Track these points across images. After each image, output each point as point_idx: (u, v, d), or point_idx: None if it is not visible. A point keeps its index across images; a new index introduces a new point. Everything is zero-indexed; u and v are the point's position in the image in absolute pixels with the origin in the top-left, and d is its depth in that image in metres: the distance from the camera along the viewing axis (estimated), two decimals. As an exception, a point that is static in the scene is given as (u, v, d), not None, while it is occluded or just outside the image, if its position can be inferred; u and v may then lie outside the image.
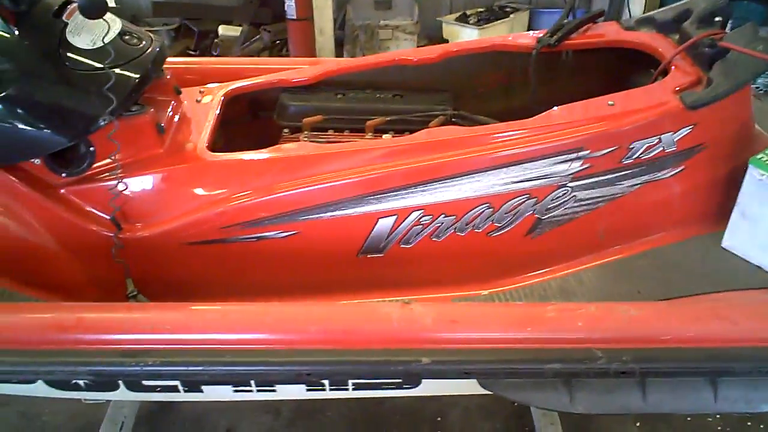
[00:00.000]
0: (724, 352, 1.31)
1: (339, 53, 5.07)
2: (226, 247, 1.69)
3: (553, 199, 1.71)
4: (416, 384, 1.39)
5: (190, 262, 1.73)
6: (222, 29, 5.13)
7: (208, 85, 2.08)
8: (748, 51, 1.70)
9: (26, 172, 1.66)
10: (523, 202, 1.70)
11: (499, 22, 5.03)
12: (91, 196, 1.68)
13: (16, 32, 1.55)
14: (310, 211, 1.66)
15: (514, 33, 5.02)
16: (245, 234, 1.68)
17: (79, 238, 1.67)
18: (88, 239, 1.67)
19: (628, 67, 2.11)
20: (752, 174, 1.68)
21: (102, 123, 1.60)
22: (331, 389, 1.40)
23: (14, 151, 1.61)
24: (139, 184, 1.70)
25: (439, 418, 2.26)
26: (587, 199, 1.74)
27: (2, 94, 1.52)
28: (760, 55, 1.69)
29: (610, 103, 1.73)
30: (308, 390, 1.42)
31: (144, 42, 1.74)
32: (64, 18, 1.64)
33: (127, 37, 1.72)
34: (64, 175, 1.67)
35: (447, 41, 5.12)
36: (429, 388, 1.41)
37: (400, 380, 1.38)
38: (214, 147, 1.79)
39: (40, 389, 1.42)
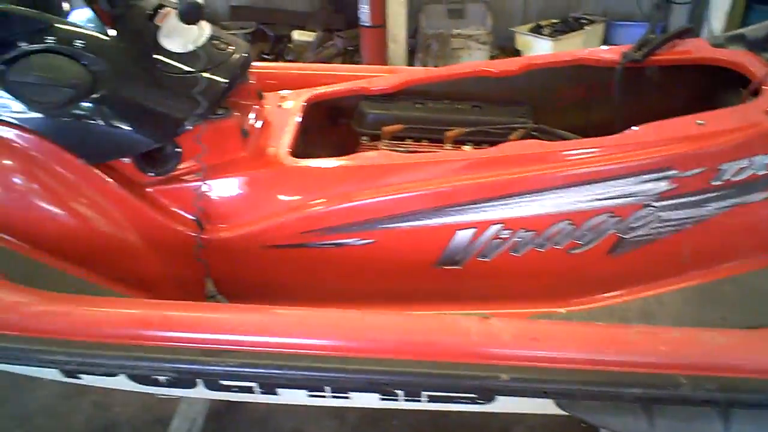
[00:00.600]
0: (814, 385, 1.26)
1: (411, 61, 5.07)
2: (304, 251, 1.71)
3: (637, 219, 1.67)
4: (490, 400, 1.38)
5: (268, 265, 1.75)
6: (296, 34, 5.21)
7: (290, 91, 2.11)
8: None
9: (116, 171, 1.71)
10: (606, 220, 1.66)
11: (573, 34, 4.95)
12: (176, 196, 1.72)
13: (113, 34, 1.61)
14: (389, 221, 1.67)
15: (588, 45, 5.00)
16: (324, 240, 1.69)
17: (163, 236, 1.71)
18: (172, 238, 1.71)
19: (714, 86, 2.05)
20: None
21: (190, 125, 1.65)
22: (404, 400, 1.40)
23: (106, 149, 1.66)
24: (222, 186, 1.73)
25: (503, 434, 2.24)
26: (672, 220, 1.69)
27: (98, 94, 1.58)
28: None
29: (699, 122, 1.68)
30: (382, 399, 1.42)
31: (231, 47, 1.78)
32: (157, 21, 1.69)
33: (216, 42, 1.76)
34: (151, 174, 1.71)
35: (519, 52, 5.08)
36: (502, 405, 1.40)
37: (475, 395, 1.37)
38: (293, 152, 1.82)
39: (121, 382, 1.47)
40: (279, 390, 1.43)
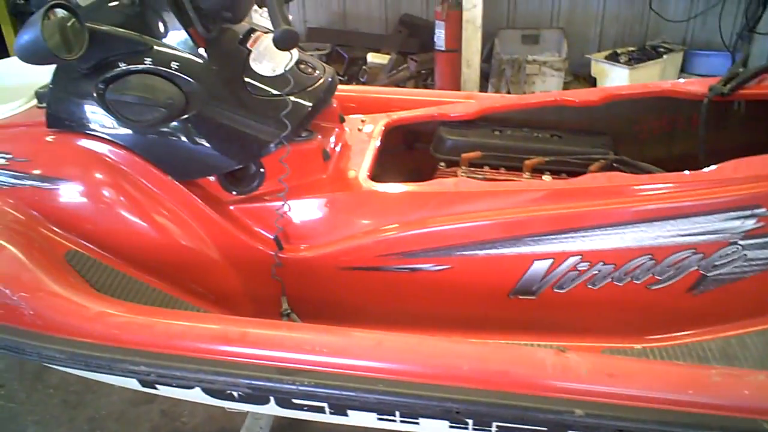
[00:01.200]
0: None
1: (484, 86, 5.08)
2: (380, 275, 1.72)
3: (721, 256, 1.63)
4: (561, 435, 1.36)
5: (343, 286, 1.77)
6: (371, 56, 5.28)
7: (370, 115, 2.14)
8: None
9: (201, 188, 1.76)
10: (689, 256, 1.63)
11: (651, 62, 4.86)
12: (257, 215, 1.77)
13: (206, 57, 1.67)
14: (465, 248, 1.67)
15: (666, 74, 4.90)
16: (400, 264, 1.70)
17: (243, 253, 1.75)
18: (251, 256, 1.75)
19: None
20: None
21: (274, 147, 1.69)
22: (473, 428, 1.39)
23: (193, 168, 1.72)
24: (302, 207, 1.76)
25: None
26: (758, 259, 1.64)
27: (189, 114, 1.64)
28: None
29: None
30: (451, 427, 1.41)
31: (317, 71, 1.82)
32: (248, 45, 1.75)
33: (302, 66, 1.80)
34: (234, 193, 1.76)
35: (595, 79, 5.03)
36: (572, 440, 1.37)
37: (546, 429, 1.35)
38: (372, 176, 1.84)
39: (196, 395, 1.50)
40: (350, 412, 1.44)
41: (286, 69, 1.74)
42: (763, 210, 1.58)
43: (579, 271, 1.66)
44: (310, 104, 1.74)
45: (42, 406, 2.56)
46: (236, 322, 1.46)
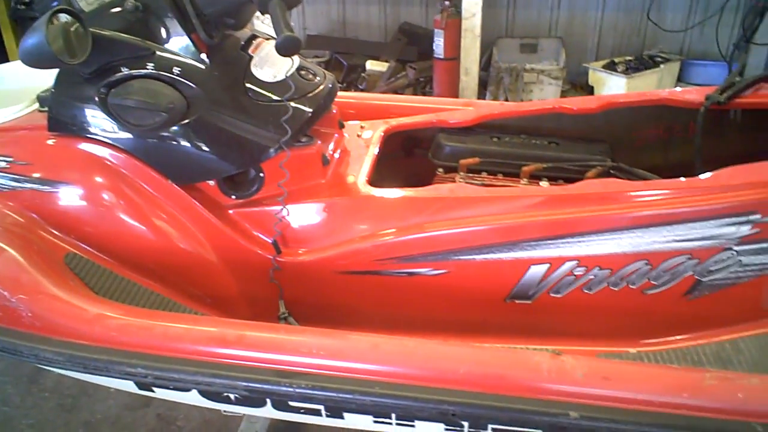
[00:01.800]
0: None
1: (482, 94, 5.11)
2: (377, 279, 1.74)
3: (716, 262, 1.64)
4: (555, 437, 1.37)
5: (341, 291, 1.78)
6: (369, 64, 5.30)
7: (369, 121, 2.16)
8: None
9: (200, 191, 1.78)
10: (684, 262, 1.64)
11: (648, 71, 4.89)
12: (256, 219, 1.78)
13: (208, 62, 1.68)
14: (463, 252, 1.68)
15: (663, 83, 4.93)
16: (397, 268, 1.71)
17: (241, 257, 1.77)
18: (249, 259, 1.76)
19: None
20: None
21: (274, 152, 1.70)
22: (469, 431, 1.40)
23: (193, 172, 1.74)
24: (301, 211, 1.78)
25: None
26: (753, 265, 1.65)
27: (190, 119, 1.65)
28: None
29: None
30: (446, 429, 1.42)
31: (318, 78, 1.84)
32: (250, 51, 1.77)
33: (303, 72, 1.82)
34: (233, 197, 1.78)
35: (592, 88, 5.06)
36: (568, 443, 1.39)
37: (541, 431, 1.36)
38: (371, 181, 1.85)
39: (193, 397, 1.51)
40: (346, 414, 1.44)
41: (287, 75, 1.76)
42: (758, 216, 1.60)
43: (575, 276, 1.67)
44: (310, 110, 1.76)
45: (37, 410, 2.55)
46: (234, 325, 1.47)
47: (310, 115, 1.75)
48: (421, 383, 1.33)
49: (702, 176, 1.66)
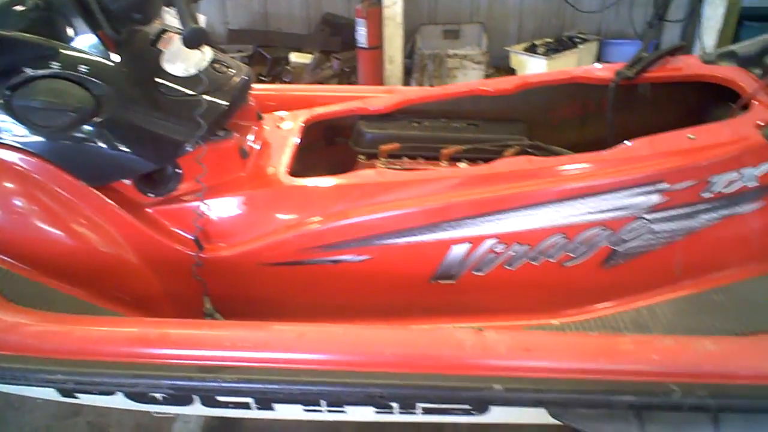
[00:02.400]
0: (803, 389, 1.28)
1: (407, 81, 5.13)
2: (302, 269, 1.73)
3: (629, 231, 1.70)
4: (484, 411, 1.39)
5: (266, 283, 1.77)
6: (293, 56, 5.26)
7: (288, 112, 2.14)
8: None
9: (116, 192, 1.74)
10: (599, 233, 1.69)
11: (567, 52, 5.00)
12: (175, 216, 1.75)
13: (116, 59, 1.64)
14: (385, 237, 1.69)
15: (582, 63, 5.05)
16: (321, 257, 1.72)
17: (162, 255, 1.74)
18: (171, 257, 1.74)
19: (706, 101, 2.09)
20: (836, 211, 1.64)
21: (190, 147, 1.68)
22: (399, 412, 1.42)
23: (108, 172, 1.70)
24: (221, 206, 1.76)
25: (498, 447, 2.25)
26: (664, 232, 1.72)
27: (100, 118, 1.61)
28: None
29: (690, 136, 1.71)
30: (377, 412, 1.43)
31: (232, 70, 1.82)
32: (159, 46, 1.73)
33: (217, 66, 1.79)
34: (151, 195, 1.74)
35: (514, 71, 5.14)
36: (497, 415, 1.41)
37: (469, 406, 1.39)
38: (291, 171, 1.85)
39: (118, 401, 1.48)
40: (275, 405, 1.44)
41: (200, 69, 1.73)
42: (665, 185, 1.66)
43: (496, 253, 1.70)
44: (226, 103, 1.73)
45: (-41, 427, 2.46)
46: (156, 324, 1.45)
47: (225, 108, 1.73)
48: (349, 368, 1.34)
49: (611, 150, 1.71)
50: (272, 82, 5.14)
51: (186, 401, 1.46)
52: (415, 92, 2.25)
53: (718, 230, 1.74)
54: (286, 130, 2.02)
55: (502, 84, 2.16)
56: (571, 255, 1.72)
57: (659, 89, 2.15)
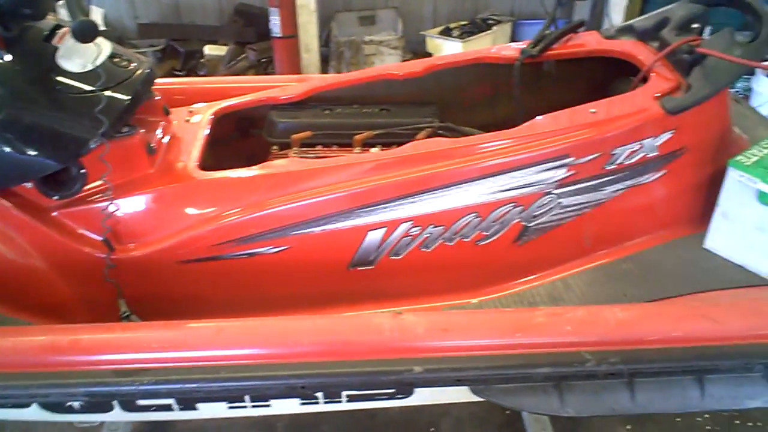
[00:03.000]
0: (709, 350, 1.34)
1: (325, 69, 5.11)
2: (218, 264, 1.71)
3: (539, 207, 1.74)
4: (409, 393, 1.41)
5: (183, 281, 1.74)
6: (207, 49, 5.16)
7: (197, 105, 2.10)
8: (725, 56, 1.74)
9: (19, 196, 1.67)
10: (510, 210, 1.72)
11: (482, 34, 5.08)
12: (83, 218, 1.69)
13: (8, 57, 1.57)
14: (301, 226, 1.68)
15: (497, 45, 5.11)
16: (237, 251, 1.69)
17: (72, 259, 1.68)
18: (81, 261, 1.68)
19: (610, 75, 2.15)
20: (731, 176, 1.71)
21: (93, 145, 1.62)
22: (325, 402, 1.42)
23: (8, 175, 1.62)
24: (131, 204, 1.71)
25: (432, 429, 2.28)
26: (572, 206, 1.76)
27: None
28: (737, 60, 1.73)
29: (592, 110, 1.76)
30: (302, 404, 1.43)
31: (134, 64, 1.76)
32: (54, 42, 1.66)
33: (116, 60, 1.74)
34: (55, 198, 1.68)
35: (431, 55, 5.17)
36: (422, 397, 1.43)
37: (393, 390, 1.40)
38: (204, 166, 1.81)
39: (34, 413, 1.42)
40: (198, 405, 1.42)
41: (98, 64, 1.67)
42: (571, 159, 1.70)
43: (411, 236, 1.72)
44: (128, 98, 1.68)
45: None
46: (66, 331, 1.41)
47: (127, 103, 1.68)
48: (269, 361, 1.33)
49: (518, 128, 1.74)
50: (187, 75, 5.04)
51: (105, 408, 1.42)
52: (325, 79, 2.24)
53: (624, 201, 1.81)
54: (195, 124, 1.98)
55: (411, 67, 2.18)
56: (485, 233, 1.75)
57: (564, 66, 2.20)
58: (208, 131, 1.95)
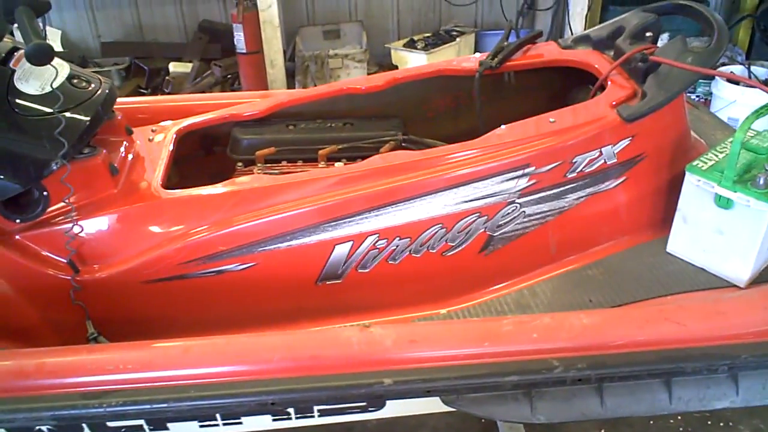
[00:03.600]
0: (674, 353, 1.37)
1: (291, 84, 5.10)
2: (185, 283, 1.70)
3: (503, 216, 1.76)
4: (381, 406, 1.41)
5: (149, 301, 1.73)
6: (173, 66, 5.13)
7: (161, 124, 2.09)
8: (677, 64, 1.79)
9: None
10: (475, 220, 1.74)
11: (446, 46, 5.11)
12: (46, 241, 1.68)
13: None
14: (267, 242, 1.68)
15: (461, 56, 5.17)
16: (203, 269, 1.69)
17: (36, 283, 1.66)
18: (46, 284, 1.66)
19: (568, 85, 2.19)
20: (689, 180, 1.75)
21: (54, 167, 1.61)
22: (297, 417, 1.42)
23: None
24: (95, 225, 1.70)
25: (409, 440, 2.28)
26: (536, 214, 1.79)
27: None
28: (689, 67, 1.78)
29: (551, 120, 1.79)
30: (274, 420, 1.43)
31: (93, 84, 1.76)
32: (11, 65, 1.65)
33: (75, 81, 1.73)
34: (18, 221, 1.66)
35: (396, 67, 5.20)
36: (394, 409, 1.44)
37: (364, 403, 1.40)
38: (168, 184, 1.80)
39: (1, 440, 1.41)
40: (169, 425, 1.41)
41: (55, 86, 1.66)
42: (532, 168, 1.73)
43: (378, 249, 1.72)
44: (87, 119, 1.67)
45: None
46: (31, 355, 1.39)
47: (87, 124, 1.67)
48: (238, 378, 1.33)
49: (479, 139, 1.76)
50: (152, 93, 5.00)
51: (75, 431, 1.41)
52: (288, 95, 2.25)
53: (587, 208, 1.83)
54: (158, 143, 1.97)
55: (373, 81, 2.19)
56: (451, 244, 1.76)
57: (524, 76, 2.23)
58: (171, 149, 1.94)
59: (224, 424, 1.42)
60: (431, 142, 1.98)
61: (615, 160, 1.80)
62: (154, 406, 1.30)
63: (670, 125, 1.91)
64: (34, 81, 1.65)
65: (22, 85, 1.63)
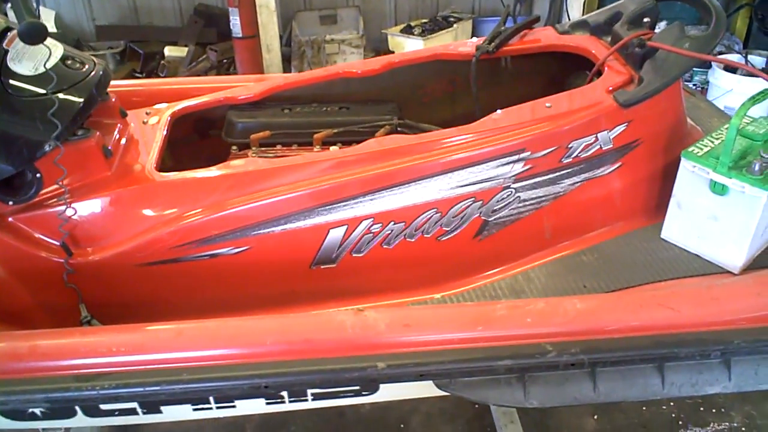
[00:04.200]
0: (667, 338, 1.37)
1: (287, 69, 5.08)
2: (178, 266, 1.69)
3: (498, 201, 1.76)
4: (374, 390, 1.41)
5: (143, 284, 1.72)
6: (168, 50, 5.10)
7: (155, 106, 2.08)
8: (675, 49, 1.78)
9: None
10: (470, 205, 1.74)
11: (443, 31, 5.10)
12: (39, 223, 1.67)
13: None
14: (261, 226, 1.68)
15: (456, 41, 5.15)
16: (197, 252, 1.68)
17: (29, 265, 1.65)
18: (39, 266, 1.66)
19: (565, 70, 2.18)
20: (685, 166, 1.75)
21: (47, 149, 1.60)
22: (290, 401, 1.42)
23: None
24: (88, 208, 1.69)
25: (402, 425, 2.29)
26: (531, 199, 1.79)
27: None
28: (686, 52, 1.77)
29: (547, 105, 1.78)
30: (268, 403, 1.42)
31: (87, 66, 1.74)
32: (4, 45, 1.63)
33: (69, 62, 1.71)
34: (11, 203, 1.65)
35: (393, 53, 5.18)
36: (387, 393, 1.43)
37: (358, 387, 1.40)
38: (163, 167, 1.79)
39: (-5, 422, 1.41)
40: (163, 407, 1.41)
41: (49, 66, 1.65)
42: (528, 153, 1.73)
43: (373, 233, 1.72)
44: (81, 100, 1.66)
45: None
46: (24, 337, 1.39)
47: (81, 105, 1.65)
48: (231, 361, 1.33)
49: (475, 123, 1.76)
50: (147, 77, 4.97)
51: (68, 414, 1.41)
52: (283, 78, 2.23)
53: (582, 193, 1.83)
54: (152, 126, 1.96)
55: (369, 65, 2.18)
56: (446, 229, 1.76)
57: (521, 61, 2.22)
58: (165, 132, 1.93)
59: (218, 407, 1.42)
60: (427, 127, 1.96)
61: (611, 146, 1.80)
62: (147, 388, 1.30)
63: (667, 111, 1.91)
64: (28, 61, 1.63)
65: (15, 66, 1.61)
